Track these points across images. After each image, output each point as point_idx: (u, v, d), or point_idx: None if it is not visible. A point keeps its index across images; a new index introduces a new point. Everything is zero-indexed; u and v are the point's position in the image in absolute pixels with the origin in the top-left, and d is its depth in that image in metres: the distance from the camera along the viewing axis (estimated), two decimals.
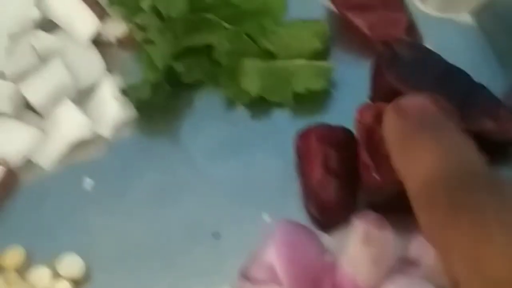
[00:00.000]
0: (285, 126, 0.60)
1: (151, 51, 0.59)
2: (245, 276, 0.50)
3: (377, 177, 0.49)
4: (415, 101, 0.44)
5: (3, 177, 0.58)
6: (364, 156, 0.50)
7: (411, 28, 0.61)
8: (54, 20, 0.63)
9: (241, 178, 0.58)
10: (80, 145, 0.60)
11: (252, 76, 0.60)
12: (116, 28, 0.64)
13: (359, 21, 0.61)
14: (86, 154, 0.60)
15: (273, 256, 0.48)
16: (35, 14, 0.63)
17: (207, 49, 0.61)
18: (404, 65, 0.52)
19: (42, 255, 0.56)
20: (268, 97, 0.60)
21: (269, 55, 0.60)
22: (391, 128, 0.44)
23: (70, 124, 0.60)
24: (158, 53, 0.59)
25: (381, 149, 0.48)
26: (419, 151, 0.41)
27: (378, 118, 0.48)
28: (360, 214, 0.49)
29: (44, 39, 0.63)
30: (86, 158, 0.60)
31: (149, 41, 0.60)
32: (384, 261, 0.48)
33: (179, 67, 0.60)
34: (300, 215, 0.55)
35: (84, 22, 0.62)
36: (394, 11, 0.61)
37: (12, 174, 0.59)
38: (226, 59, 0.60)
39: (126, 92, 0.60)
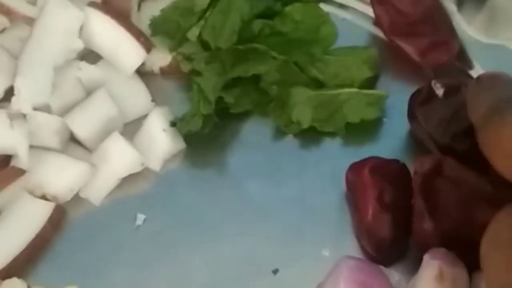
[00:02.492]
0: (337, 155, 0.59)
1: (202, 83, 0.58)
2: None
3: (430, 224, 0.49)
4: None
5: (52, 212, 0.57)
6: (419, 202, 0.50)
7: (462, 54, 0.61)
8: (98, 51, 0.63)
9: (296, 211, 0.57)
10: (128, 178, 0.59)
11: (303, 106, 0.59)
12: (160, 58, 0.63)
13: (409, 47, 0.60)
14: (136, 188, 0.59)
15: None
16: (79, 45, 0.62)
17: (255, 79, 0.60)
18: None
19: None
20: (320, 127, 0.59)
21: (318, 84, 0.60)
22: None
23: (119, 158, 0.59)
24: (209, 85, 0.58)
25: (437, 198, 0.49)
26: None
27: (437, 168, 0.49)
28: (432, 251, 0.48)
29: (88, 71, 0.62)
30: (136, 192, 0.59)
31: (197, 72, 0.59)
32: None
33: (228, 98, 0.59)
34: (359, 251, 0.54)
35: (130, 53, 0.62)
36: (444, 37, 0.60)
37: (61, 210, 0.58)
38: (275, 89, 0.60)
39: (175, 124, 0.59)
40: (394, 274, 0.50)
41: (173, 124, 0.60)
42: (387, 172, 0.54)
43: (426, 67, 0.60)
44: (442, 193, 0.50)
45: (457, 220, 0.49)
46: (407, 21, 0.60)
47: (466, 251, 0.48)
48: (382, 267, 0.51)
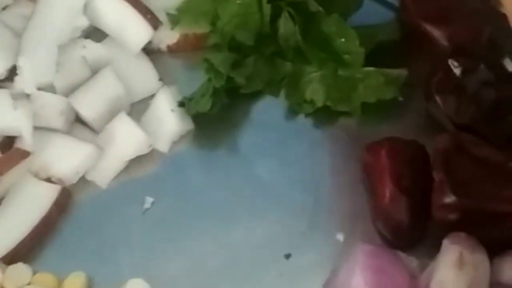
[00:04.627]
0: (351, 136, 0.57)
1: (213, 58, 0.56)
2: None
3: (452, 198, 0.47)
4: None
5: (58, 195, 0.55)
6: (440, 176, 0.48)
7: (492, 41, 0.58)
8: (103, 29, 0.61)
9: (308, 194, 0.56)
10: (136, 160, 0.57)
11: (317, 84, 0.57)
12: (168, 36, 0.61)
13: (438, 32, 0.57)
14: (143, 170, 0.58)
15: (358, 281, 0.46)
16: (83, 22, 0.60)
17: (267, 57, 0.58)
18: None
19: (103, 279, 0.53)
20: (334, 107, 0.57)
21: (334, 62, 0.57)
22: None
23: (126, 139, 0.57)
24: (221, 59, 0.56)
25: (458, 174, 0.48)
26: None
27: (457, 145, 0.49)
28: (452, 235, 0.46)
29: (93, 49, 0.60)
30: (143, 174, 0.57)
31: (211, 49, 0.58)
32: (478, 285, 0.45)
33: (239, 78, 0.57)
34: (375, 234, 0.53)
35: (136, 31, 0.60)
36: (476, 23, 0.57)
37: (67, 193, 0.56)
38: (289, 66, 0.58)
39: (184, 104, 0.57)
40: (412, 260, 0.49)
41: (181, 104, 0.58)
42: (405, 153, 0.52)
43: (452, 53, 0.57)
44: (463, 170, 0.49)
45: (481, 196, 0.48)
46: (438, 5, 0.57)
47: (488, 230, 0.47)
48: (399, 252, 0.49)
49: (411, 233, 0.51)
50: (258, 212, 0.55)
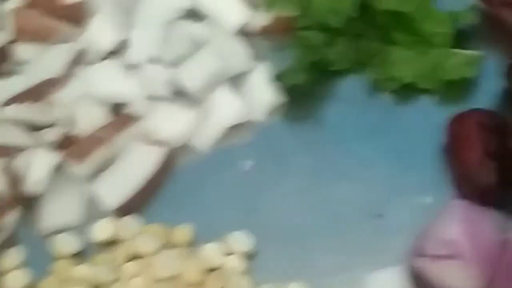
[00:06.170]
0: (431, 112, 0.62)
1: (309, 35, 0.62)
2: (421, 253, 0.52)
3: None
4: None
5: (164, 157, 0.61)
6: None
7: None
8: (202, 10, 0.66)
9: (394, 161, 0.60)
10: (234, 128, 0.63)
11: (403, 62, 0.62)
12: (263, 17, 0.66)
13: None
14: (240, 137, 0.63)
15: (455, 232, 0.50)
16: (185, 3, 0.66)
17: (356, 39, 0.63)
18: None
19: (207, 232, 0.58)
20: (419, 84, 0.62)
21: (419, 42, 0.62)
22: None
23: (225, 109, 0.62)
24: (315, 37, 0.62)
25: None
26: None
27: None
28: None
29: (195, 28, 0.65)
30: (240, 141, 0.62)
31: (302, 30, 0.63)
32: None
33: (331, 54, 0.62)
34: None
35: (233, 12, 0.65)
36: None
37: (171, 156, 0.61)
38: (377, 46, 0.63)
39: (279, 77, 0.62)
40: (501, 217, 0.53)
41: (276, 78, 0.63)
42: (493, 122, 0.57)
43: None
44: None
45: None
46: None
47: None
48: (489, 209, 0.53)
49: (498, 196, 0.55)
50: (348, 176, 0.60)
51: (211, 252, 0.57)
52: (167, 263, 0.56)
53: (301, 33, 0.63)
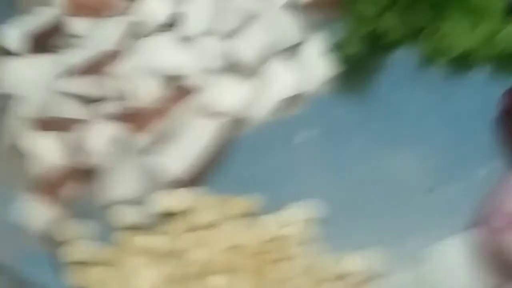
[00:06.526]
0: (485, 84, 0.62)
1: (363, 6, 0.62)
2: (485, 225, 0.53)
3: None
4: None
5: (221, 129, 0.61)
6: None
7: None
8: None
9: (446, 135, 0.61)
10: (288, 100, 0.63)
11: (456, 34, 0.62)
12: None
13: None
14: (294, 109, 0.63)
15: None
16: None
17: (407, 12, 0.64)
18: None
19: (269, 203, 0.59)
20: (472, 55, 0.62)
21: (473, 16, 0.63)
22: None
23: (279, 81, 0.63)
24: (369, 8, 0.62)
25: None
26: None
27: None
28: None
29: (245, 2, 0.66)
30: (294, 113, 0.63)
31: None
32: None
33: (383, 25, 0.63)
34: None
35: None
36: None
37: (229, 128, 0.62)
38: (429, 15, 0.63)
39: (337, 47, 0.63)
40: None
41: (332, 47, 0.63)
42: None
43: None
44: None
45: None
46: None
47: None
48: None
49: None
50: (399, 150, 0.60)
51: (271, 222, 0.58)
52: (228, 234, 0.57)
53: (352, 5, 0.63)
